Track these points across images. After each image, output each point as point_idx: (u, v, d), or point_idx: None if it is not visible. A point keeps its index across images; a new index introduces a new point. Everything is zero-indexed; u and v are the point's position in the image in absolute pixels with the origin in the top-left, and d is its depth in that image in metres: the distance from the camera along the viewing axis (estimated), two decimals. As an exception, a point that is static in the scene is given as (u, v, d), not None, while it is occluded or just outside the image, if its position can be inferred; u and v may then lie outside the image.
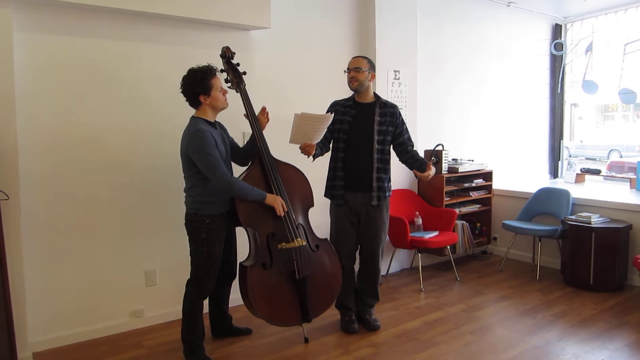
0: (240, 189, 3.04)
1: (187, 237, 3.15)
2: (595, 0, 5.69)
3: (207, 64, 3.07)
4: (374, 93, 3.59)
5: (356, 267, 3.70)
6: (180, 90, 3.06)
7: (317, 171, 3.62)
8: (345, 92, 3.62)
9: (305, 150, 3.25)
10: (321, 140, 3.37)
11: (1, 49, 2.99)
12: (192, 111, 3.13)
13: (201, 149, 2.94)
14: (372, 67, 3.52)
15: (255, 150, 3.28)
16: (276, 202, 3.14)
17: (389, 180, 3.61)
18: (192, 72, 3.05)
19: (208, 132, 2.98)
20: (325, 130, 3.28)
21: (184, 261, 3.23)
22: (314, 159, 3.38)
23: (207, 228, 3.07)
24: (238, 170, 3.35)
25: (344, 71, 3.53)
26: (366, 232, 3.58)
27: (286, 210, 3.19)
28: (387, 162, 3.57)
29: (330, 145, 3.56)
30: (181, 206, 3.21)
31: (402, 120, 3.62)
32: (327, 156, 3.59)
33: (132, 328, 3.65)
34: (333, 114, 3.31)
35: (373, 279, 3.71)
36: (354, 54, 4.37)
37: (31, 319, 3.23)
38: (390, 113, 3.53)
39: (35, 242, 3.26)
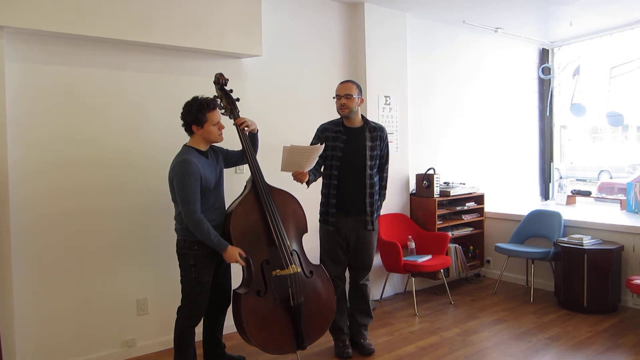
0: (203, 232, 2.97)
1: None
2: (581, 25, 5.79)
3: (212, 97, 3.11)
4: (362, 116, 3.61)
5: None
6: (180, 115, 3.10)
7: (311, 197, 3.62)
8: (336, 117, 3.64)
9: (297, 178, 3.24)
10: (313, 167, 3.35)
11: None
12: (183, 140, 3.15)
13: (182, 179, 2.93)
14: (360, 91, 3.55)
15: (247, 155, 3.27)
16: (234, 258, 3.05)
17: (380, 203, 3.66)
18: (192, 101, 3.08)
19: (195, 163, 2.97)
20: (317, 158, 3.25)
21: (176, 290, 3.20)
22: (307, 186, 3.38)
23: (195, 254, 3.06)
24: (236, 185, 3.36)
25: (333, 97, 3.55)
26: (357, 255, 3.59)
27: (244, 264, 3.13)
28: (376, 185, 3.60)
29: (322, 169, 3.57)
30: (172, 234, 3.19)
31: (387, 143, 3.67)
32: (320, 182, 3.59)
33: (123, 358, 3.60)
34: (323, 145, 3.28)
35: (365, 298, 3.71)
36: (344, 79, 4.40)
37: (20, 349, 3.18)
38: (379, 137, 3.58)
39: (25, 271, 3.22)
